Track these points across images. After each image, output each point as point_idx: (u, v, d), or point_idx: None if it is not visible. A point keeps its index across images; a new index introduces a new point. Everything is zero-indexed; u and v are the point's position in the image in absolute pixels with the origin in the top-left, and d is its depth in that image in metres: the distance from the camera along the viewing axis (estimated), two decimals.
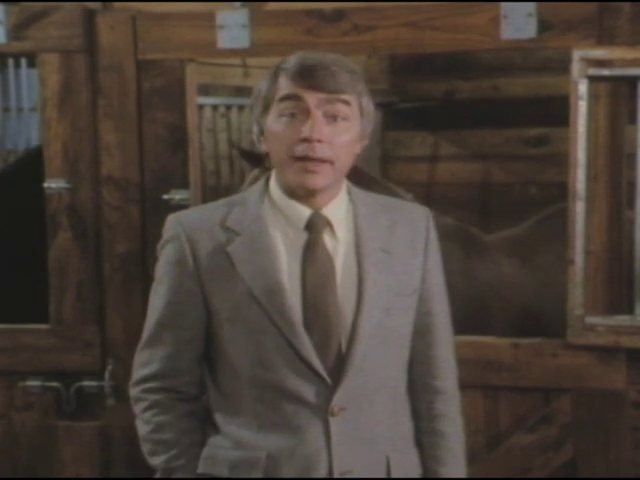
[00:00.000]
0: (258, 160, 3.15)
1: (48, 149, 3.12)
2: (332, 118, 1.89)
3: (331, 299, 1.92)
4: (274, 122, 1.91)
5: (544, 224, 3.77)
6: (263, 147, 1.98)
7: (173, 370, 1.99)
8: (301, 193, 1.93)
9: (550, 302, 3.40)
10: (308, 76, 1.87)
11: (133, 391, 2.03)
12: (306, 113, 1.87)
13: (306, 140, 1.87)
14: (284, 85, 1.89)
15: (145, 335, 2.02)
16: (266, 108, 1.93)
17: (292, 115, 1.89)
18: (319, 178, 1.90)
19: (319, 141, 1.87)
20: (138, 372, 2.02)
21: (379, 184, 3.15)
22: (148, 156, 3.08)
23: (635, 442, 2.91)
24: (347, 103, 1.89)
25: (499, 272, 3.60)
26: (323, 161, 1.88)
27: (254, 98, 1.97)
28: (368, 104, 1.95)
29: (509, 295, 3.57)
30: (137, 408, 2.03)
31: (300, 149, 1.87)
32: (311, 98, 1.87)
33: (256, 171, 3.22)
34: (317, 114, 1.87)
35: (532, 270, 3.63)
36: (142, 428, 2.02)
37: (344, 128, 1.90)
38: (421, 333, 2.04)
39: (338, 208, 1.98)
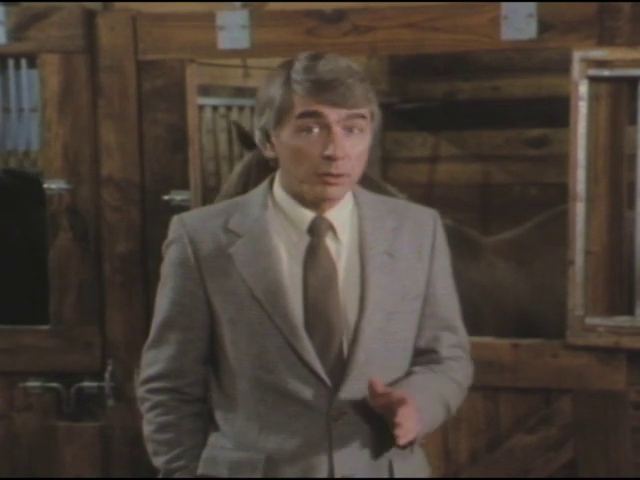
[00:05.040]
0: (252, 144, 3.13)
1: (48, 150, 3.12)
2: (349, 130, 1.87)
3: (333, 302, 1.92)
4: (292, 137, 1.88)
5: (543, 226, 3.75)
6: (269, 154, 1.96)
7: (176, 371, 1.99)
8: (312, 200, 1.92)
9: (546, 306, 3.39)
10: (327, 92, 1.83)
11: (139, 391, 2.04)
12: (326, 128, 1.85)
13: (329, 158, 1.85)
14: (301, 100, 1.85)
15: (151, 335, 2.02)
16: (280, 120, 1.89)
17: (309, 129, 1.86)
18: (337, 190, 1.89)
19: (342, 158, 1.86)
20: (144, 372, 2.03)
21: (371, 182, 3.13)
22: (148, 157, 3.08)
23: (635, 443, 2.90)
24: (364, 116, 1.88)
25: (494, 275, 3.59)
26: (344, 175, 1.88)
27: (262, 106, 1.92)
28: (377, 111, 1.94)
29: (503, 298, 3.55)
30: (142, 408, 2.03)
31: (323, 166, 1.86)
32: (332, 115, 1.84)
33: (247, 157, 3.20)
34: (338, 130, 1.85)
35: (529, 273, 3.62)
36: (146, 428, 2.02)
37: (360, 139, 1.89)
38: (427, 336, 2.03)
39: (342, 211, 1.97)
